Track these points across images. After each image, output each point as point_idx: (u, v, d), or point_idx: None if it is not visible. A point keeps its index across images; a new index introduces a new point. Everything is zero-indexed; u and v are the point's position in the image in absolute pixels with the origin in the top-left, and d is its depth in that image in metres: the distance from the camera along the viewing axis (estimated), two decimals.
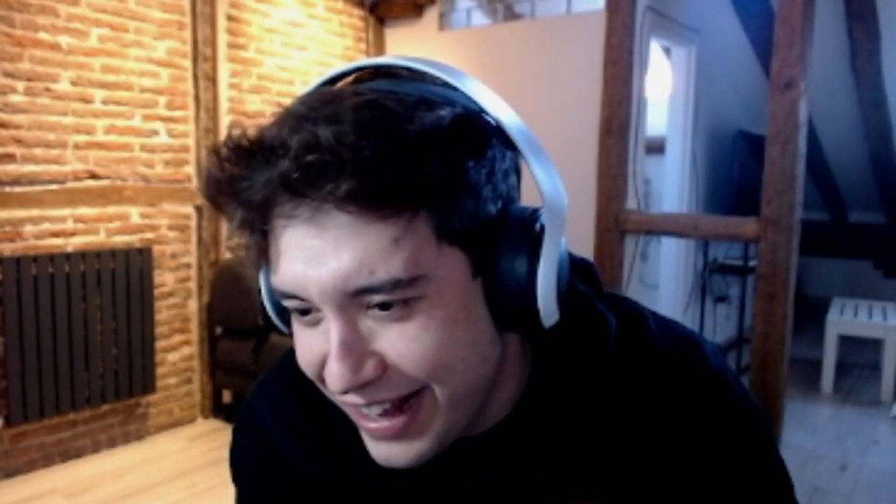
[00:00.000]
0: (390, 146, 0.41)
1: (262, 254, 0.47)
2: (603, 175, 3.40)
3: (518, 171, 0.50)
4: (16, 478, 2.72)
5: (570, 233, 0.49)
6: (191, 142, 3.25)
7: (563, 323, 0.49)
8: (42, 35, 2.70)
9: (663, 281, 4.32)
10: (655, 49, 4.06)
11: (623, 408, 0.55)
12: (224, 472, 2.79)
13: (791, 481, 0.59)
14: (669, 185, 4.27)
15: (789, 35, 2.83)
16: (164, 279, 3.19)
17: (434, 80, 0.48)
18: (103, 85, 2.90)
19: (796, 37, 2.81)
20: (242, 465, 0.64)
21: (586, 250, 3.27)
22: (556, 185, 0.48)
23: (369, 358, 0.45)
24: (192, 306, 3.34)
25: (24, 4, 2.64)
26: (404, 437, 0.48)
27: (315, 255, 0.43)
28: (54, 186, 2.77)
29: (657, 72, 4.14)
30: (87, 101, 2.85)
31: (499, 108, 0.48)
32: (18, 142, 2.66)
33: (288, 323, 0.53)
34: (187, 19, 3.18)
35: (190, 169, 3.26)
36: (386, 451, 0.49)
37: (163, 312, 3.19)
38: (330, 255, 0.43)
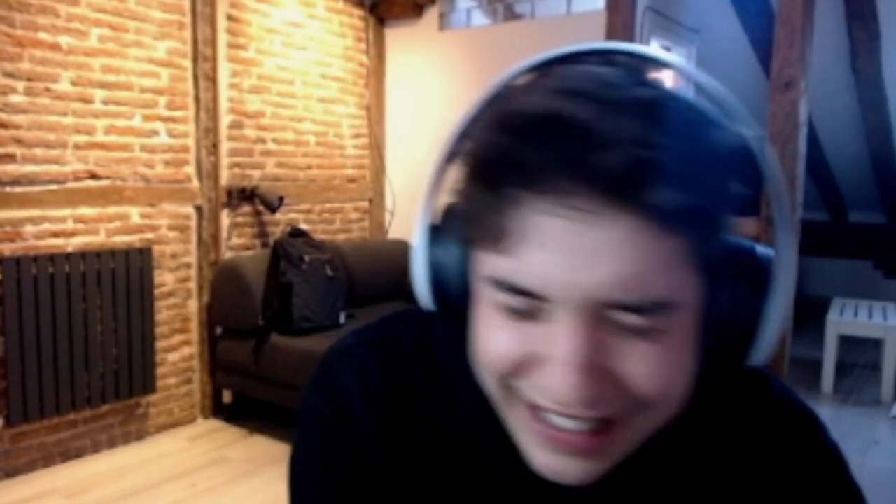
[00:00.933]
0: (711, 159, 0.38)
1: (498, 235, 0.40)
2: None
3: None
4: (16, 478, 2.72)
5: None
6: (191, 142, 3.25)
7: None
8: (42, 35, 2.70)
9: None
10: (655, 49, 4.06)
11: (719, 445, 0.53)
12: (224, 472, 2.79)
13: None
14: None
15: (789, 35, 2.83)
16: (164, 279, 3.19)
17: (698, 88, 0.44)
18: (103, 85, 2.90)
19: (796, 37, 2.81)
20: (310, 422, 0.60)
21: None
22: (793, 218, 0.45)
23: (603, 374, 0.40)
24: (192, 306, 3.34)
25: (24, 4, 2.64)
26: (584, 457, 0.44)
27: (588, 254, 0.38)
28: (54, 186, 2.77)
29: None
30: (87, 101, 2.85)
31: (758, 130, 0.44)
32: (18, 142, 2.66)
33: (440, 303, 0.49)
34: (187, 19, 3.18)
35: (190, 169, 3.26)
36: (560, 465, 0.44)
37: (163, 312, 3.19)
38: (606, 259, 0.38)
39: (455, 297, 0.48)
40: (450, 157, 0.48)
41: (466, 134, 0.46)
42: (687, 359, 0.43)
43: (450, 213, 0.49)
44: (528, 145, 0.38)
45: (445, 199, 0.49)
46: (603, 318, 0.40)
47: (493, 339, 0.43)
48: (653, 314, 0.39)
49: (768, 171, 0.44)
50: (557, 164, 0.37)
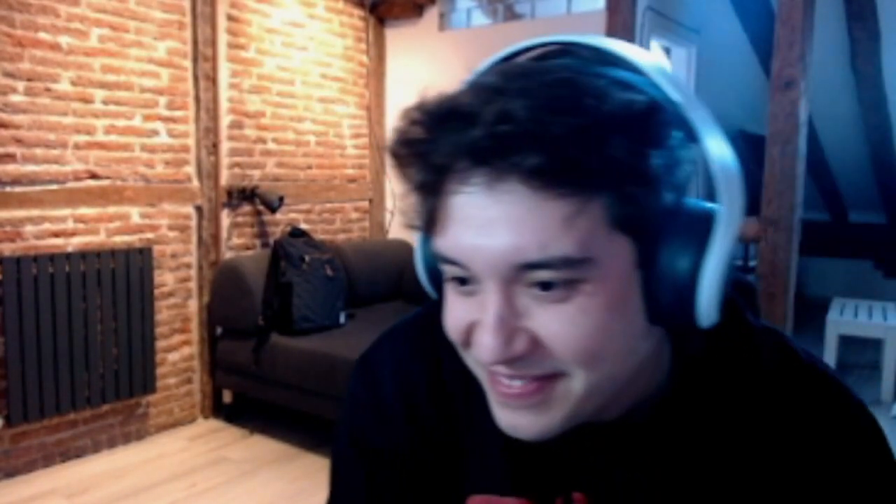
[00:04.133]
0: (581, 125, 0.41)
1: (431, 218, 0.47)
2: None
3: (694, 163, 0.49)
4: (16, 478, 2.72)
5: None
6: (191, 142, 3.25)
7: (717, 330, 0.48)
8: (42, 35, 2.70)
9: None
10: (655, 49, 4.06)
11: (761, 430, 0.53)
12: (224, 472, 2.79)
13: None
14: None
15: (789, 35, 2.83)
16: (164, 279, 3.19)
17: (620, 64, 0.47)
18: (103, 85, 2.90)
19: (796, 37, 2.81)
20: (348, 398, 0.65)
21: None
22: (735, 184, 0.47)
23: (521, 334, 0.45)
24: (192, 306, 3.34)
25: (24, 4, 2.64)
26: (534, 407, 0.48)
27: (488, 224, 0.44)
28: (54, 186, 2.77)
29: None
30: (87, 101, 2.85)
31: (685, 95, 0.47)
32: (19, 142, 2.66)
33: (438, 289, 0.55)
34: (187, 19, 3.18)
35: (190, 169, 3.26)
36: (515, 419, 0.49)
37: (163, 312, 3.19)
38: (504, 226, 0.43)
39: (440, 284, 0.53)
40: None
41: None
42: (612, 319, 0.45)
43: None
44: (429, 135, 0.45)
45: None
46: (520, 281, 0.45)
47: (450, 312, 0.50)
48: (567, 269, 0.43)
49: (696, 131, 0.47)
50: (451, 148, 0.43)
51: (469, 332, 0.48)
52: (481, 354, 0.46)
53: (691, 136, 0.47)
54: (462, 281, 0.47)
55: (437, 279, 0.54)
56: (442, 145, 0.44)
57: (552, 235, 0.42)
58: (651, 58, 0.48)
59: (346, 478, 0.64)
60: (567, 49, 0.49)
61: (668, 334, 0.52)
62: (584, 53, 0.48)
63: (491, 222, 0.43)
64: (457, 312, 0.49)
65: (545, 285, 0.44)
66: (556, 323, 0.45)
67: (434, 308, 0.59)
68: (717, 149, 0.47)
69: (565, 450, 0.55)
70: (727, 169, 0.47)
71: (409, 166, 0.46)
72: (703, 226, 0.46)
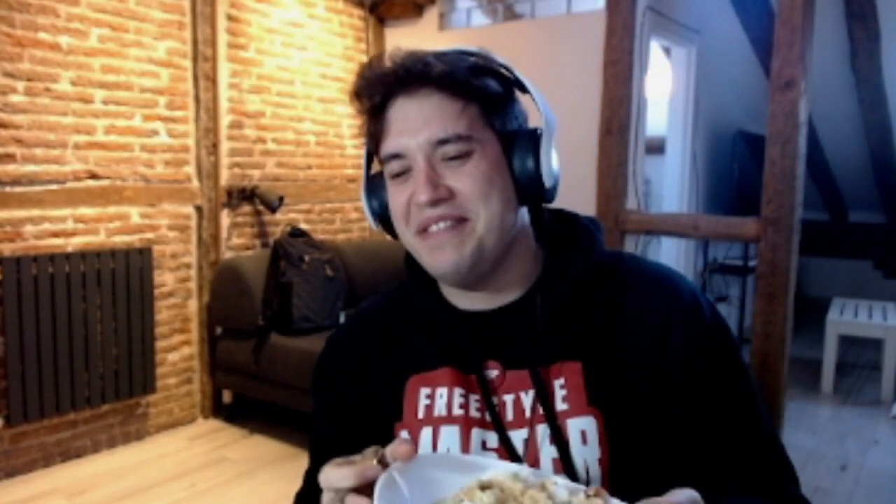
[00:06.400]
0: (468, 65, 0.74)
1: (378, 135, 0.76)
2: (603, 175, 3.40)
3: (526, 115, 0.82)
4: (16, 478, 2.72)
5: None
6: (191, 142, 3.25)
7: (564, 234, 0.81)
8: (42, 35, 2.70)
9: None
10: (655, 49, 4.06)
11: (606, 294, 0.78)
12: (224, 472, 2.78)
13: (751, 378, 0.79)
14: (669, 185, 4.26)
15: (789, 35, 2.83)
16: (164, 279, 3.19)
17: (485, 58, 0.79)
18: (103, 85, 2.90)
19: (796, 37, 2.81)
20: (319, 380, 0.90)
21: None
22: (549, 112, 0.77)
23: (441, 186, 0.73)
24: (192, 306, 3.34)
25: (24, 4, 2.64)
26: (451, 245, 0.73)
27: (413, 122, 0.73)
28: (54, 186, 2.77)
29: (657, 72, 4.14)
30: (87, 101, 2.85)
31: (521, 74, 0.79)
32: (18, 142, 2.66)
33: (385, 225, 0.84)
34: (187, 19, 3.18)
35: (190, 169, 3.26)
36: (441, 256, 0.74)
37: (163, 312, 3.19)
38: (423, 121, 0.72)
39: (384, 207, 0.81)
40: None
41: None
42: (494, 178, 0.74)
43: (369, 155, 0.83)
44: (381, 70, 0.74)
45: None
46: (437, 156, 0.73)
47: (394, 200, 0.77)
48: (461, 143, 0.72)
49: (524, 83, 0.78)
50: (389, 75, 0.73)
51: (408, 206, 0.74)
52: (418, 199, 0.72)
53: (523, 90, 0.79)
54: (400, 174, 0.75)
55: (382, 218, 0.83)
56: (384, 75, 0.73)
57: (451, 122, 0.72)
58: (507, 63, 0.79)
59: (317, 402, 0.90)
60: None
61: (539, 245, 0.81)
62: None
63: (415, 120, 0.73)
64: (399, 197, 0.75)
65: (452, 158, 0.73)
66: (462, 176, 0.73)
67: (358, 313, 0.91)
68: (540, 98, 0.77)
69: (479, 328, 0.78)
70: (545, 107, 0.77)
71: (365, 96, 0.75)
72: (534, 134, 0.77)
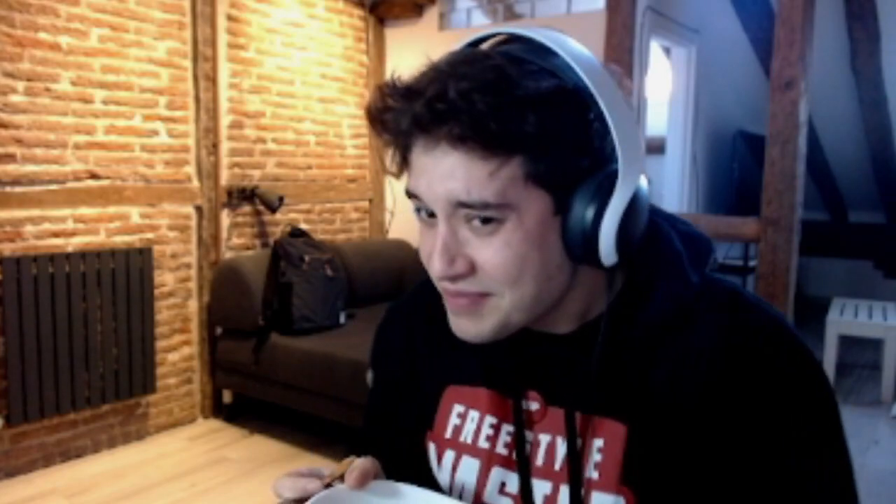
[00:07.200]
0: (498, 103, 0.53)
1: (399, 167, 0.62)
2: None
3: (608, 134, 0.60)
4: (16, 478, 2.72)
5: None
6: (191, 142, 3.25)
7: (645, 266, 0.65)
8: (42, 35, 2.70)
9: None
10: (655, 49, 4.06)
11: (675, 343, 0.63)
12: (224, 472, 2.78)
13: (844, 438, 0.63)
14: (669, 185, 4.27)
15: (789, 35, 2.83)
16: (164, 279, 3.19)
17: (552, 53, 0.58)
18: (103, 85, 2.90)
19: (796, 37, 2.81)
20: (376, 359, 0.86)
21: None
22: (634, 148, 0.58)
23: (461, 258, 0.59)
24: (192, 306, 3.34)
25: (24, 4, 2.64)
26: (471, 315, 0.62)
27: (433, 177, 0.57)
28: (54, 186, 2.77)
29: (657, 72, 4.14)
30: (87, 101, 2.85)
31: (597, 80, 0.57)
32: (18, 142, 2.66)
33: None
34: (187, 19, 3.18)
35: (190, 169, 3.26)
36: (459, 324, 0.64)
37: (163, 312, 3.19)
38: (442, 180, 0.57)
39: None
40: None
41: None
42: (530, 250, 0.58)
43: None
44: (393, 105, 0.57)
45: None
46: (460, 216, 0.58)
47: (421, 240, 0.64)
48: (487, 210, 0.56)
49: (600, 104, 0.57)
50: (404, 117, 0.56)
51: (430, 256, 0.62)
52: (431, 271, 0.61)
53: (599, 113, 0.57)
54: (429, 213, 0.61)
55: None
56: (399, 114, 0.57)
57: (476, 185, 0.55)
58: (577, 47, 0.59)
59: (371, 390, 0.85)
60: (516, 38, 0.60)
61: (606, 269, 0.63)
62: (527, 44, 0.59)
63: (434, 176, 0.57)
64: (424, 241, 0.63)
65: (482, 221, 0.57)
66: (487, 251, 0.58)
67: (422, 286, 0.78)
68: (620, 122, 0.57)
69: (526, 354, 0.68)
70: (627, 138, 0.58)
71: (381, 129, 0.60)
72: (603, 184, 0.58)
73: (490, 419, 0.69)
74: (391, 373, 0.83)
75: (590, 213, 0.57)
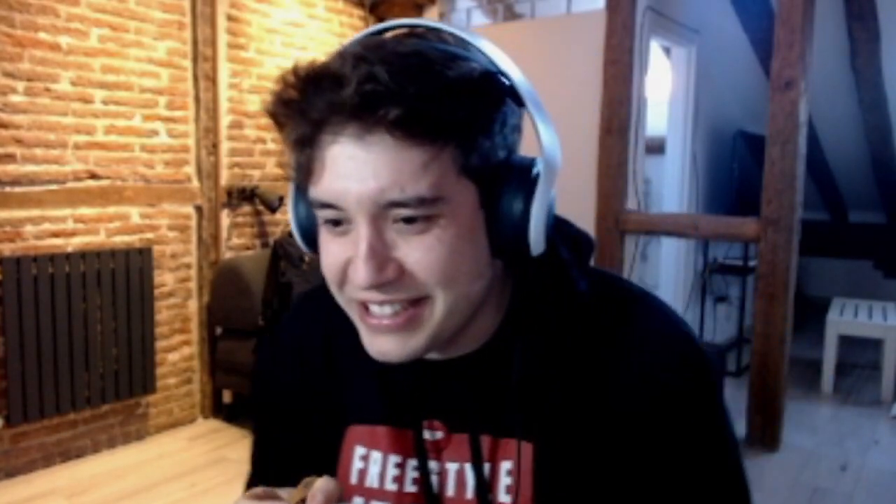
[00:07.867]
0: (432, 86, 0.50)
1: (307, 170, 0.54)
2: (603, 175, 3.40)
3: (520, 129, 0.59)
4: (16, 478, 2.72)
5: None
6: (191, 142, 3.25)
7: (537, 276, 0.61)
8: (42, 35, 2.70)
9: (663, 281, 4.32)
10: (655, 49, 4.06)
11: (578, 346, 0.61)
12: (224, 472, 2.78)
13: (734, 440, 0.63)
14: (669, 185, 4.27)
15: (789, 35, 2.83)
16: (164, 279, 3.19)
17: (457, 43, 0.56)
18: (103, 85, 2.90)
19: (796, 37, 2.81)
20: (261, 381, 0.79)
21: None
22: (553, 141, 0.57)
23: (390, 262, 0.53)
24: (192, 306, 3.34)
25: (24, 4, 2.64)
26: (402, 332, 0.56)
27: (357, 169, 0.51)
28: (54, 186, 2.77)
29: (657, 72, 4.14)
30: (87, 101, 2.85)
31: (511, 70, 0.56)
32: (18, 142, 2.66)
33: (310, 244, 0.63)
34: (187, 19, 3.18)
35: (190, 169, 3.26)
36: (383, 345, 0.57)
37: (163, 312, 3.19)
38: (371, 170, 0.51)
39: (313, 240, 0.62)
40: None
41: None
42: (463, 246, 0.54)
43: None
44: (304, 94, 0.51)
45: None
46: (386, 217, 0.53)
47: (327, 254, 0.57)
48: (422, 207, 0.52)
49: (519, 92, 0.55)
50: (325, 105, 0.50)
51: (344, 269, 0.55)
52: (357, 281, 0.53)
53: (519, 104, 0.56)
54: (335, 223, 0.55)
55: (307, 235, 0.63)
56: (316, 103, 0.51)
57: (409, 179, 0.51)
58: (484, 39, 0.56)
59: (258, 417, 0.79)
60: (414, 32, 0.58)
61: (507, 278, 0.62)
62: (428, 35, 0.57)
63: (359, 169, 0.51)
64: (333, 253, 0.56)
65: (407, 220, 0.52)
66: (418, 251, 0.53)
67: (305, 307, 0.75)
68: (540, 115, 0.56)
69: (425, 383, 0.64)
70: (548, 131, 0.56)
71: (286, 124, 0.53)
72: (528, 176, 0.56)
73: (394, 458, 0.66)
74: (283, 414, 0.75)
75: (518, 204, 0.55)
